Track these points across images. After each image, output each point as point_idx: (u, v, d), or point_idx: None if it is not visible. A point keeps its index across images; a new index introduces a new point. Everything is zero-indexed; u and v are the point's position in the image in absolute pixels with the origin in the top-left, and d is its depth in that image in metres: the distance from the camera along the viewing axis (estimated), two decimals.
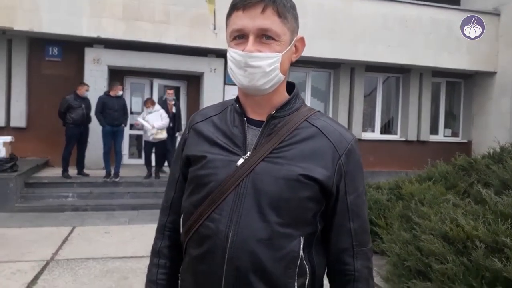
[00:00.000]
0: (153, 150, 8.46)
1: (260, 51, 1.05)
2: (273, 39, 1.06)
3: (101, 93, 8.22)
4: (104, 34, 8.52)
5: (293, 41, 1.12)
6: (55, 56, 9.13)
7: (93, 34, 8.47)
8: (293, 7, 1.11)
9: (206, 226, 1.09)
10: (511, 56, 10.61)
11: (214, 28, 8.42)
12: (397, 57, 10.34)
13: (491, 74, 11.14)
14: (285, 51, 1.09)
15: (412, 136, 11.23)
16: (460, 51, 10.77)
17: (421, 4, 10.67)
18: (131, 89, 9.90)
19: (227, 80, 9.75)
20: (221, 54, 9.43)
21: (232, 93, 9.83)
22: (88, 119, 7.98)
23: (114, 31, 8.55)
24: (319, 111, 1.18)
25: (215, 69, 9.45)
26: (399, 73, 11.31)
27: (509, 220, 3.10)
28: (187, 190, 1.19)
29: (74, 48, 9.00)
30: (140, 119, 8.18)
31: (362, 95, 10.89)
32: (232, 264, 1.04)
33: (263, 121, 1.12)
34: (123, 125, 8.14)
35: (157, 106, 8.21)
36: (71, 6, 8.30)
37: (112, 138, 7.93)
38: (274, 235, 1.05)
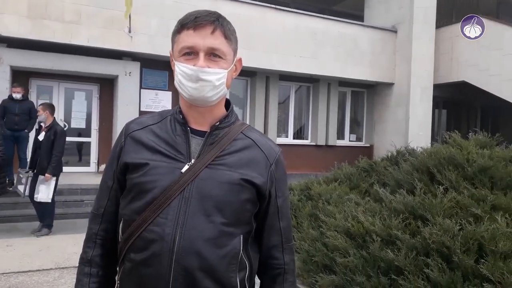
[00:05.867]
0: None
1: (209, 67, 1.18)
2: (220, 57, 1.20)
3: (4, 96, 7.59)
4: (6, 32, 7.88)
5: (234, 61, 1.27)
6: None
7: None
8: (234, 31, 1.26)
9: (151, 231, 1.13)
10: (406, 70, 11.74)
11: (129, 31, 8.23)
12: (308, 68, 10.92)
13: (389, 85, 12.21)
14: (229, 69, 1.24)
15: (321, 141, 11.91)
16: (363, 64, 11.69)
17: (328, 18, 11.38)
18: (37, 92, 9.22)
19: (143, 84, 9.58)
20: (137, 58, 9.21)
21: (148, 97, 9.64)
22: None
23: (18, 30, 7.93)
24: (250, 125, 1.34)
25: (130, 73, 9.17)
26: (309, 82, 11.93)
27: (401, 215, 3.46)
28: (127, 197, 1.22)
29: None
30: None
31: (277, 102, 11.32)
32: (179, 264, 1.10)
33: (204, 131, 1.23)
34: (26, 130, 7.56)
35: None
36: None
37: (14, 143, 7.37)
38: (219, 234, 1.14)
